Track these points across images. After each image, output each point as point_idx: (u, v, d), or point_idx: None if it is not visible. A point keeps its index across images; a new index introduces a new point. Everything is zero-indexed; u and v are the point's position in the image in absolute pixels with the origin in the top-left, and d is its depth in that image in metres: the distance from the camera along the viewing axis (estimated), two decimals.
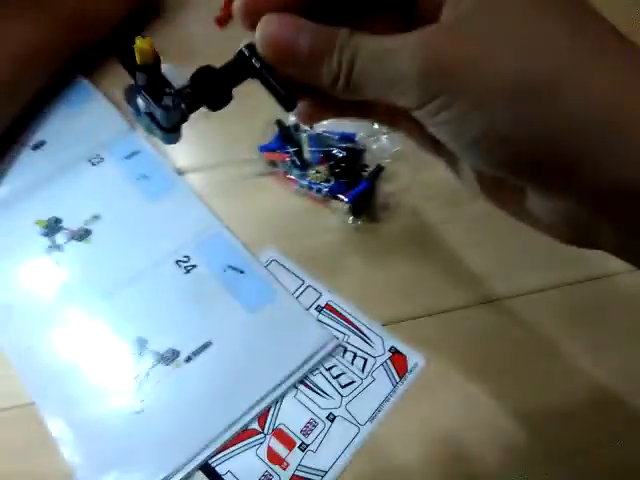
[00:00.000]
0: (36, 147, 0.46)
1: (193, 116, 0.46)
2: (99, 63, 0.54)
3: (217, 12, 0.56)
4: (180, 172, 0.46)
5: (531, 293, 0.39)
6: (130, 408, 0.35)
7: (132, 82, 0.22)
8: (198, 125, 0.48)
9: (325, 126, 0.47)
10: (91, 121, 0.48)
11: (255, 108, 0.48)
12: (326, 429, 0.34)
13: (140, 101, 0.22)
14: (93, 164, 0.45)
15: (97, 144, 0.46)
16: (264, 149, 0.46)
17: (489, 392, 0.35)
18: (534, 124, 0.17)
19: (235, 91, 0.57)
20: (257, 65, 0.22)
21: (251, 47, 0.21)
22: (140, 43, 0.20)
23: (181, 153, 0.48)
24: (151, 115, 0.22)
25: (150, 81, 0.21)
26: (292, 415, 0.35)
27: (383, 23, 0.22)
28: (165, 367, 0.36)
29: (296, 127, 0.46)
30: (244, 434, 0.34)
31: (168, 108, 0.21)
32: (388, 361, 0.36)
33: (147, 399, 0.35)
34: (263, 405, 0.35)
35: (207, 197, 0.45)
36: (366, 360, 0.36)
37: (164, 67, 0.22)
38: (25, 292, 0.40)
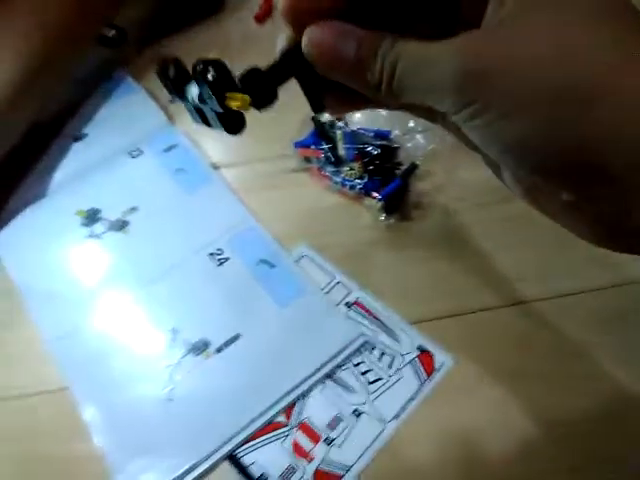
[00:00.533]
0: (78, 139, 0.47)
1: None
2: (141, 58, 0.55)
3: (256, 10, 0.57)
4: (216, 166, 0.47)
5: (563, 296, 0.38)
6: (161, 396, 0.36)
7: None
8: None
9: (360, 123, 0.47)
10: (131, 115, 0.49)
11: (290, 104, 0.48)
12: (352, 425, 0.34)
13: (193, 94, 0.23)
14: (132, 156, 0.46)
15: (137, 137, 0.47)
16: (299, 145, 0.46)
17: (517, 395, 0.35)
18: (569, 132, 0.17)
19: None
20: (300, 66, 0.22)
21: (297, 46, 0.22)
22: (240, 99, 0.22)
23: (217, 148, 0.49)
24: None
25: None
26: (318, 409, 0.35)
27: (428, 27, 0.22)
28: (195, 357, 0.37)
29: (331, 124, 0.47)
30: (270, 426, 0.35)
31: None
32: (416, 359, 0.36)
33: (177, 388, 0.36)
34: (290, 398, 0.35)
35: (241, 192, 0.45)
36: (394, 358, 0.36)
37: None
38: (64, 280, 0.41)
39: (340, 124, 0.46)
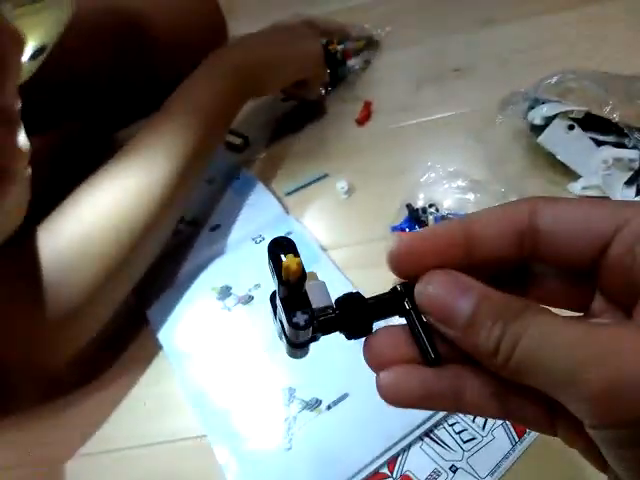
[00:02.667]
0: (213, 229, 0.58)
1: (336, 201, 0.56)
2: (260, 158, 0.66)
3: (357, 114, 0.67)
4: (324, 249, 0.55)
5: None
6: (281, 445, 0.42)
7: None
8: (339, 208, 0.58)
9: (450, 209, 0.53)
10: (254, 207, 0.59)
11: (388, 193, 0.56)
12: (449, 478, 0.38)
13: (277, 308, 0.22)
14: (256, 242, 0.55)
15: (259, 226, 0.57)
16: (395, 229, 0.53)
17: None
18: None
19: (370, 176, 0.67)
20: (408, 307, 0.20)
21: (407, 287, 0.20)
22: (289, 261, 0.20)
23: (325, 232, 0.57)
24: (282, 324, 0.22)
25: (289, 296, 0.21)
26: (418, 463, 0.39)
27: (559, 283, 0.20)
28: (309, 413, 0.43)
29: (424, 210, 0.53)
30: (375, 477, 0.39)
31: (297, 326, 0.20)
32: (508, 422, 0.40)
33: (295, 439, 0.42)
34: (392, 452, 0.40)
35: (347, 269, 0.52)
36: (486, 419, 0.40)
37: (314, 283, 0.22)
38: (202, 344, 0.50)
39: (432, 210, 0.53)
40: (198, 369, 0.48)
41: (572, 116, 0.52)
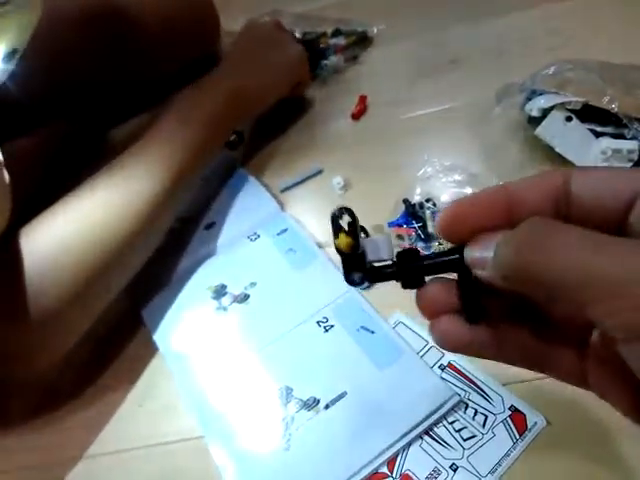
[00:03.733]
0: (208, 227, 0.57)
1: (331, 197, 0.55)
2: (254, 155, 0.66)
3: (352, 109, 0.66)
4: (321, 245, 0.54)
5: None
6: (279, 446, 0.41)
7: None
8: (335, 204, 0.57)
9: (447, 203, 0.52)
10: (249, 205, 0.58)
11: (383, 188, 0.55)
12: (449, 477, 0.37)
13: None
14: (251, 240, 0.55)
15: (254, 224, 0.56)
16: (392, 225, 0.52)
17: (611, 458, 0.36)
18: None
19: (366, 171, 0.66)
20: (459, 267, 0.22)
21: (459, 249, 0.22)
22: (339, 241, 0.24)
23: (321, 229, 0.56)
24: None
25: (346, 260, 0.24)
26: (418, 462, 0.39)
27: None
28: (307, 412, 0.42)
29: (420, 205, 0.53)
30: (375, 476, 0.39)
31: (353, 283, 0.24)
32: (508, 419, 0.39)
33: (292, 439, 0.41)
34: (391, 451, 0.39)
35: (341, 265, 0.52)
36: (487, 417, 0.39)
37: (378, 238, 0.24)
38: (198, 345, 0.49)
39: (429, 205, 0.52)
40: (195, 369, 0.47)
41: (570, 107, 0.52)
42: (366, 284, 0.27)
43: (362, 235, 0.24)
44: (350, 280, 0.24)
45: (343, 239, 0.24)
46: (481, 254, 0.20)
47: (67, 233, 0.46)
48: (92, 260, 0.46)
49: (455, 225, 0.22)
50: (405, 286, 0.24)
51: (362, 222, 0.55)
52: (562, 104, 0.52)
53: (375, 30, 0.76)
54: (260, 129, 0.69)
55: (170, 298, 0.52)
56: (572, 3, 0.70)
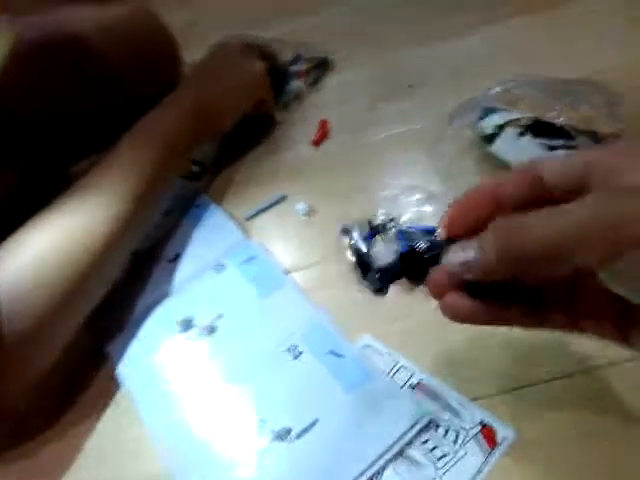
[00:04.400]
0: (172, 260, 0.57)
1: (296, 223, 0.55)
2: (216, 183, 0.66)
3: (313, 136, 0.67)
4: (287, 271, 0.54)
5: (628, 361, 0.40)
6: (254, 477, 0.40)
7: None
8: (300, 230, 0.57)
9: (409, 222, 0.53)
10: (214, 235, 0.58)
11: (347, 211, 0.56)
12: None
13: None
14: (217, 271, 0.54)
15: (220, 253, 0.56)
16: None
17: (581, 466, 0.37)
18: None
19: (329, 196, 0.66)
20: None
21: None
22: None
23: (287, 254, 0.56)
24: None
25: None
26: None
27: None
28: (280, 443, 0.42)
29: (383, 225, 0.53)
30: None
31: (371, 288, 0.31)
32: (479, 434, 0.39)
33: (267, 470, 0.41)
34: (366, 476, 0.39)
35: (310, 290, 0.52)
36: (458, 433, 0.39)
37: (382, 247, 0.31)
38: (166, 380, 0.48)
39: (391, 224, 0.53)
40: (162, 405, 0.47)
41: (521, 123, 0.53)
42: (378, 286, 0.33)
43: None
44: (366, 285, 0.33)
45: None
46: (464, 255, 0.26)
47: (31, 260, 0.46)
48: (55, 285, 0.45)
49: (455, 225, 0.28)
50: (413, 278, 0.31)
51: (328, 245, 0.56)
52: (513, 120, 0.54)
53: (334, 56, 0.78)
54: (223, 158, 0.69)
55: (136, 333, 0.51)
56: (523, 22, 0.73)
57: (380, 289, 0.31)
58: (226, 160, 0.69)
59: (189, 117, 0.58)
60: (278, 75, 0.72)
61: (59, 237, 0.47)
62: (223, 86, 0.63)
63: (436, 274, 0.28)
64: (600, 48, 0.65)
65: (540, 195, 0.26)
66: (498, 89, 0.53)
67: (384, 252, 0.31)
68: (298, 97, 0.74)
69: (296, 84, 0.75)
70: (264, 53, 0.71)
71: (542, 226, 0.22)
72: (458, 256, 0.26)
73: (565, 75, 0.56)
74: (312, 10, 0.88)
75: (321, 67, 0.77)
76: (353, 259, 0.30)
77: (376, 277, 0.30)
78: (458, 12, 0.78)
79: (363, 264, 0.31)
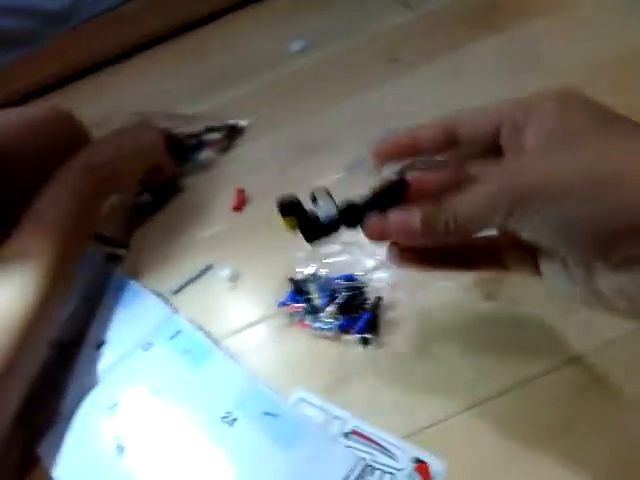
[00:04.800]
0: (99, 347, 0.56)
1: (223, 289, 0.55)
2: (131, 258, 0.66)
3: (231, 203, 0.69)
4: (217, 340, 0.54)
5: (537, 378, 0.42)
6: None
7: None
8: (228, 296, 0.58)
9: (329, 273, 0.55)
10: (140, 313, 0.58)
11: (271, 272, 0.57)
12: None
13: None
14: (145, 349, 0.54)
15: (147, 332, 0.55)
16: (282, 304, 0.53)
17: None
18: (601, 209, 0.24)
19: (252, 260, 0.67)
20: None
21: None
22: (285, 222, 0.34)
23: (217, 323, 0.56)
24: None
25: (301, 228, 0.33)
26: None
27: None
28: None
29: (305, 280, 0.55)
30: None
31: (310, 243, 0.33)
32: (413, 472, 0.40)
33: None
34: None
35: (241, 355, 0.52)
36: (393, 475, 0.40)
37: (322, 202, 0.33)
38: (101, 473, 0.47)
39: (312, 278, 0.55)
40: None
41: (422, 167, 0.57)
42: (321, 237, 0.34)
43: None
44: (307, 242, 0.33)
45: (287, 220, 0.33)
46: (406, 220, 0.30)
47: None
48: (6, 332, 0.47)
49: (382, 156, 0.35)
50: (349, 225, 0.33)
51: (252, 306, 0.57)
52: (413, 163, 0.57)
53: (245, 123, 0.81)
54: (145, 235, 0.70)
55: (65, 429, 0.50)
56: (432, 69, 0.78)
57: (316, 238, 0.33)
58: (150, 238, 0.69)
59: (84, 178, 0.60)
60: (177, 145, 0.76)
61: None
62: (115, 151, 0.65)
63: (373, 221, 0.32)
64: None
65: (453, 141, 0.32)
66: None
67: (327, 207, 0.33)
68: (207, 165, 0.77)
69: (205, 153, 0.78)
70: (162, 128, 0.75)
71: (463, 204, 0.28)
72: (403, 222, 0.30)
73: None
74: (224, 89, 0.92)
75: (232, 134, 0.80)
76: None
77: (316, 230, 0.33)
78: (363, 72, 0.84)
79: (304, 226, 0.33)
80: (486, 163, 0.30)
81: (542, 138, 0.28)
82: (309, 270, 0.56)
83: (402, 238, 0.32)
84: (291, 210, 0.33)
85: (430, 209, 0.29)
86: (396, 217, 0.31)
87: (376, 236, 0.32)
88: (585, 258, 0.27)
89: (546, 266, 0.30)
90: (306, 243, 0.34)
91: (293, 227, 0.33)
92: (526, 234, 0.27)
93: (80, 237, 0.59)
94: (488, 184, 0.27)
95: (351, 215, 0.32)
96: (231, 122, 0.81)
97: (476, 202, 0.28)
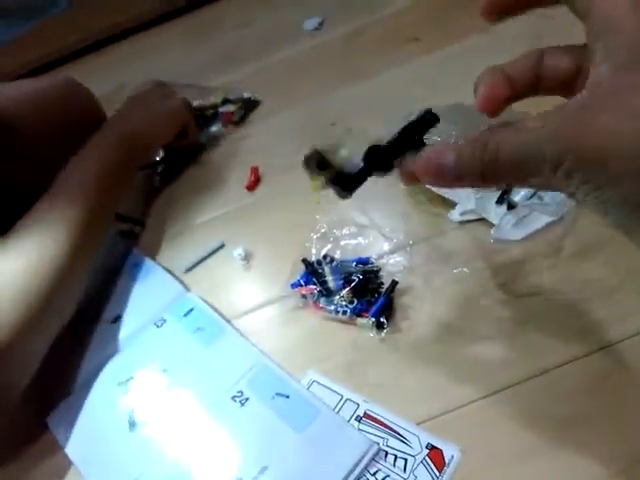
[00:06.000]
0: (114, 321, 0.56)
1: (235, 269, 0.55)
2: (156, 239, 0.66)
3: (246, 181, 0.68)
4: (229, 318, 0.54)
5: (555, 368, 0.42)
6: None
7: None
8: (240, 276, 0.57)
9: (343, 256, 0.54)
10: (154, 290, 0.57)
11: (283, 252, 0.57)
12: None
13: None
14: (158, 326, 0.54)
15: (160, 309, 0.55)
16: (295, 286, 0.53)
17: (525, 476, 0.37)
18: None
19: (265, 240, 0.66)
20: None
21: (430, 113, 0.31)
22: (312, 184, 0.33)
23: (228, 302, 0.56)
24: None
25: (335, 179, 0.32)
26: None
27: None
28: None
29: (319, 262, 0.54)
30: None
31: (342, 196, 0.32)
32: (426, 457, 0.39)
33: None
34: None
35: (253, 335, 0.52)
36: (406, 460, 0.40)
37: (346, 160, 0.31)
38: (111, 449, 0.47)
39: (326, 260, 0.54)
40: (109, 475, 0.45)
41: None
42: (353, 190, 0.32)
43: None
44: (338, 194, 0.32)
45: (314, 182, 0.32)
46: (441, 159, 0.26)
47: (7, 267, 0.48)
48: (36, 289, 0.48)
49: (487, 100, 0.29)
50: (379, 169, 0.31)
51: (264, 287, 0.56)
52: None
53: (260, 97, 0.81)
54: (157, 213, 0.70)
55: (78, 401, 0.50)
56: (437, 57, 0.77)
57: (349, 190, 0.31)
58: (161, 216, 0.69)
59: (116, 152, 0.61)
60: (196, 115, 0.77)
61: (23, 261, 0.49)
62: (145, 118, 0.67)
63: (407, 166, 0.29)
64: None
65: (541, 75, 0.28)
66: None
67: (353, 162, 0.31)
68: (220, 136, 0.78)
69: (220, 125, 0.79)
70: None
71: (509, 142, 0.24)
72: (434, 158, 0.27)
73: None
74: (238, 65, 0.91)
75: (247, 107, 0.80)
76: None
77: (349, 181, 0.31)
78: (381, 52, 0.82)
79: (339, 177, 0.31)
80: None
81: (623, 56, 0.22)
82: (323, 252, 0.55)
83: (433, 179, 0.28)
84: (323, 165, 0.32)
85: (468, 144, 0.25)
86: (428, 154, 0.27)
87: (407, 178, 0.29)
88: None
89: None
90: (339, 198, 0.32)
91: (322, 185, 0.32)
92: (582, 201, 0.23)
93: (113, 198, 0.61)
94: (549, 123, 0.23)
95: (379, 158, 0.31)
96: (246, 95, 0.81)
97: (527, 142, 0.23)
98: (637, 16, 0.22)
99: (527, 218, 0.50)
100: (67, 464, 0.47)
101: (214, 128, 0.79)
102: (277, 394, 0.46)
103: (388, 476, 0.39)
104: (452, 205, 0.55)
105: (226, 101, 0.81)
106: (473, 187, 0.28)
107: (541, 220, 0.50)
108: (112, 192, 0.60)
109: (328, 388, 0.45)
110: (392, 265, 0.52)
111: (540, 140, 0.23)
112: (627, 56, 0.22)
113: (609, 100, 0.22)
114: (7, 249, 0.49)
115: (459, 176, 0.26)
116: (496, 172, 0.25)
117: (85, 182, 0.57)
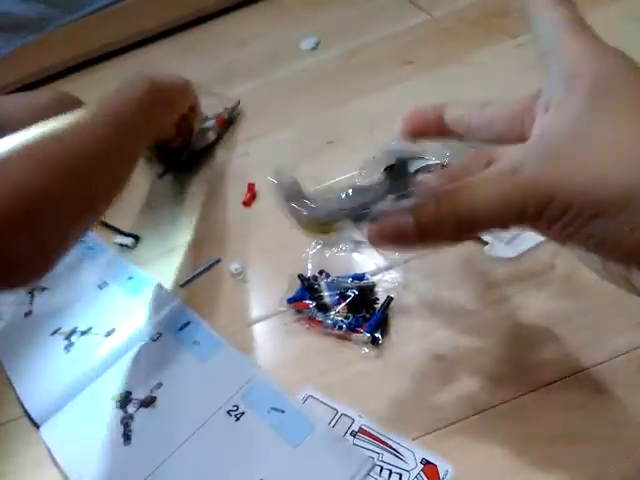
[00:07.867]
0: (108, 334, 0.56)
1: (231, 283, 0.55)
2: (152, 255, 0.66)
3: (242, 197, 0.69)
4: (225, 333, 0.54)
5: (547, 385, 0.42)
6: None
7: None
8: (236, 290, 0.58)
9: (338, 272, 0.55)
10: (149, 304, 0.58)
11: (279, 268, 0.57)
12: None
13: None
14: (154, 340, 0.54)
15: (155, 323, 0.55)
16: (291, 300, 0.53)
17: None
18: None
19: (261, 255, 0.66)
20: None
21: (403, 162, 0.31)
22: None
23: (225, 316, 0.56)
24: None
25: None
26: None
27: None
28: None
29: (314, 278, 0.55)
30: None
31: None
32: (421, 473, 0.40)
33: None
34: None
35: (249, 349, 0.52)
36: (401, 475, 0.40)
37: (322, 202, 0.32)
38: (106, 461, 0.47)
39: (322, 276, 0.55)
40: None
41: (432, 170, 0.57)
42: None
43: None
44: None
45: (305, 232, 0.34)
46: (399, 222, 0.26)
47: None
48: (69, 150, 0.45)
49: (409, 125, 0.33)
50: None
51: (260, 302, 0.57)
52: (427, 166, 0.58)
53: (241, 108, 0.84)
54: (153, 227, 0.70)
55: (71, 413, 0.50)
56: (430, 78, 0.78)
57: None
58: (159, 231, 0.69)
59: (148, 91, 0.58)
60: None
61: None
62: (165, 83, 0.63)
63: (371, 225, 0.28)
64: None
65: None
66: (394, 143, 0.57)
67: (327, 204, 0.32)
68: (211, 139, 0.78)
69: (210, 125, 0.79)
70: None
71: (485, 189, 0.24)
72: (393, 223, 0.26)
73: None
74: (235, 83, 0.92)
75: (233, 112, 0.82)
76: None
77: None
78: (375, 72, 0.84)
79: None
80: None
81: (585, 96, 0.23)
82: (319, 268, 0.56)
83: (396, 247, 0.27)
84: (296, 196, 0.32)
85: (426, 202, 0.25)
86: (387, 219, 0.26)
87: (376, 242, 0.28)
88: (628, 264, 0.24)
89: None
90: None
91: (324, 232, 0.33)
92: (557, 236, 0.24)
93: (136, 145, 0.57)
94: (523, 168, 0.23)
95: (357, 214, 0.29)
96: (233, 101, 0.83)
97: (493, 191, 0.24)
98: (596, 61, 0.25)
99: (520, 236, 0.51)
100: (62, 478, 0.47)
101: (208, 126, 0.78)
102: (272, 409, 0.46)
103: None
104: None
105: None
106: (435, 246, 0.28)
107: (534, 238, 0.51)
108: (136, 138, 0.56)
109: (323, 403, 0.46)
110: (387, 281, 0.53)
111: (518, 187, 0.23)
112: (588, 95, 0.23)
113: (582, 140, 0.23)
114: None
115: (424, 239, 0.26)
116: (472, 226, 0.25)
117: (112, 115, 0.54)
